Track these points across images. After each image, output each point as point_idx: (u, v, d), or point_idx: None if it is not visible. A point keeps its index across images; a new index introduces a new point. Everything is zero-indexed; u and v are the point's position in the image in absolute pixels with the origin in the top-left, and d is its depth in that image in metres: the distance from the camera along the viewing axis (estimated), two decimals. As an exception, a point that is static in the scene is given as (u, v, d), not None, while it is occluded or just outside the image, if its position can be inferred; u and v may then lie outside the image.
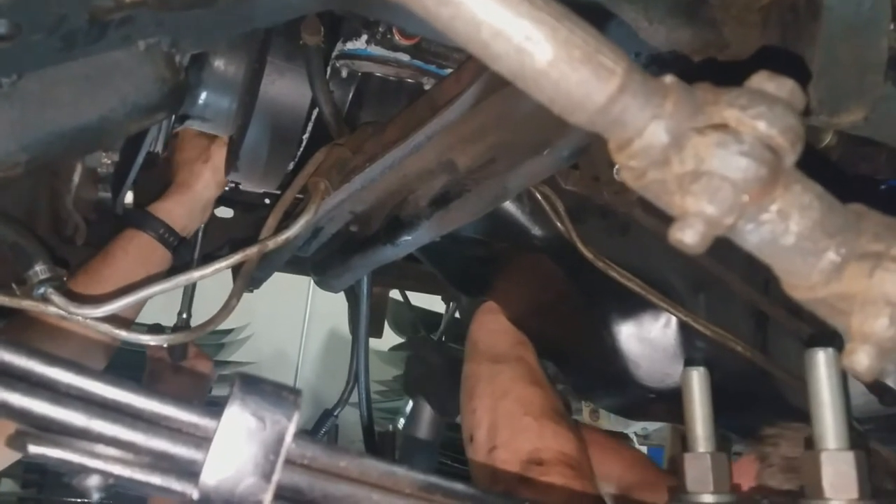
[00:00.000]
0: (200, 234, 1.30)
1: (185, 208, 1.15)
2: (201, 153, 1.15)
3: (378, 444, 1.48)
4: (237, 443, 0.41)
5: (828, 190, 0.40)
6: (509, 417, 0.94)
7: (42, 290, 0.71)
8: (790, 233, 0.38)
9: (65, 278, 0.74)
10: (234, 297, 0.82)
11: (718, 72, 0.75)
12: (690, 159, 0.35)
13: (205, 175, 1.16)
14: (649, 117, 0.37)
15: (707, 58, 0.72)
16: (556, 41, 0.35)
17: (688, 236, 0.35)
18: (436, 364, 1.33)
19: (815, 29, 0.69)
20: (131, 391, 0.42)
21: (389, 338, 3.58)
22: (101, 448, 0.41)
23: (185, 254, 1.25)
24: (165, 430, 0.42)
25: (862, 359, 0.38)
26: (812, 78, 0.67)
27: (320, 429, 1.50)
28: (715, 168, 0.34)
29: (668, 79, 0.37)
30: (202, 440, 0.42)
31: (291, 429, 0.42)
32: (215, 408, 0.42)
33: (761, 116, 0.34)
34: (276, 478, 0.42)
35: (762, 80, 0.36)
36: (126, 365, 1.14)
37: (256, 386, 0.42)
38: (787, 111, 0.35)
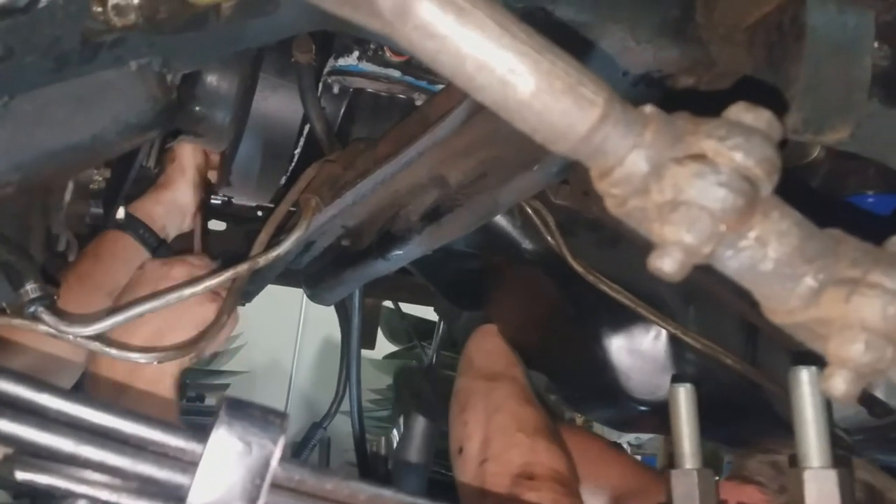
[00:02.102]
0: (199, 246, 1.31)
1: (162, 207, 1.16)
2: (171, 154, 1.17)
3: (371, 466, 1.48)
4: (223, 467, 0.42)
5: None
6: (502, 432, 0.94)
7: (32, 308, 0.71)
8: (769, 259, 0.39)
9: (56, 297, 0.74)
10: (226, 313, 0.83)
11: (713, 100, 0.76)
12: (669, 188, 0.36)
13: (175, 174, 1.17)
14: (630, 146, 0.37)
15: (698, 86, 0.73)
16: (539, 73, 0.36)
17: (666, 264, 0.36)
18: (426, 389, 1.32)
19: (800, 48, 0.70)
20: (119, 416, 0.42)
21: (384, 346, 3.59)
22: (88, 473, 0.41)
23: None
24: (152, 454, 0.42)
25: (839, 383, 0.39)
26: (795, 100, 0.68)
27: (309, 441, 1.50)
28: (693, 198, 0.35)
29: (649, 108, 0.38)
30: (188, 464, 0.42)
31: (277, 452, 0.42)
32: (202, 431, 0.43)
33: (738, 147, 0.35)
34: (262, 502, 0.42)
35: (740, 112, 0.36)
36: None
37: (243, 410, 0.43)
38: (763, 142, 0.36)
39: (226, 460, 0.42)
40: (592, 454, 1.17)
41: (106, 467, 0.42)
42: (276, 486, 0.43)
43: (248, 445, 0.42)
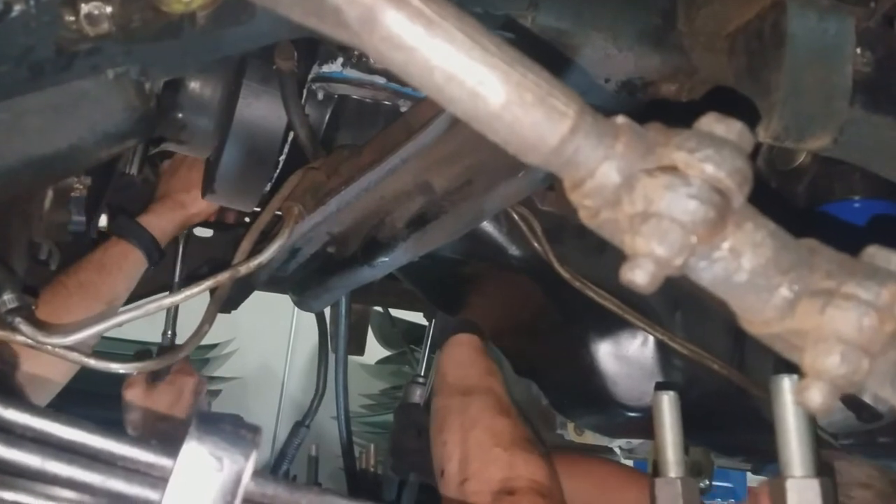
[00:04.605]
0: (180, 257, 1.30)
1: (174, 226, 1.18)
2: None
3: (361, 473, 1.48)
4: (194, 483, 0.41)
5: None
6: (479, 448, 0.93)
7: (10, 319, 0.70)
8: (743, 270, 0.38)
9: (34, 307, 0.73)
10: (207, 322, 0.82)
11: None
12: (640, 200, 0.36)
13: (201, 205, 1.19)
14: (601, 158, 0.37)
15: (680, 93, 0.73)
16: (509, 85, 0.36)
17: (638, 276, 0.36)
18: (425, 429, 1.28)
19: (780, 55, 0.70)
20: (87, 431, 0.41)
21: (377, 351, 3.58)
22: (56, 490, 0.40)
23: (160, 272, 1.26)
24: (122, 470, 0.41)
25: (815, 395, 0.38)
26: (776, 108, 0.68)
27: (293, 441, 1.50)
28: (663, 210, 0.35)
29: (620, 119, 0.38)
30: (159, 480, 0.41)
31: (249, 468, 0.42)
32: (172, 446, 0.42)
33: (709, 159, 0.35)
34: (234, 517, 0.41)
35: (711, 123, 0.36)
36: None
37: (214, 425, 0.42)
38: (734, 153, 0.35)
39: (197, 476, 0.41)
40: (611, 482, 1.16)
41: (74, 483, 0.41)
42: (248, 501, 0.43)
43: (219, 461, 0.42)
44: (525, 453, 0.91)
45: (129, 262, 1.11)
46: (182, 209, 1.18)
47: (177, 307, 1.34)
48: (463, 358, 1.12)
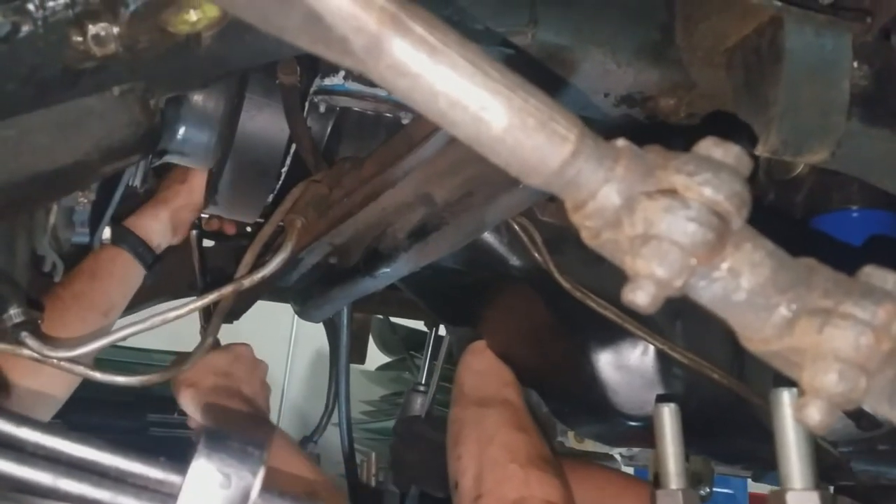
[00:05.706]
0: (198, 263, 1.30)
1: (160, 224, 1.17)
2: (182, 174, 1.18)
3: (362, 479, 1.48)
4: (202, 500, 0.42)
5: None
6: (494, 464, 0.93)
7: (17, 333, 0.71)
8: (742, 289, 0.39)
9: (39, 321, 0.74)
10: (211, 334, 0.83)
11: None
12: (640, 222, 0.37)
13: (182, 194, 1.18)
14: (602, 180, 0.38)
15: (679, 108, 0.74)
16: (511, 110, 0.37)
17: (639, 297, 0.37)
18: (427, 441, 1.28)
19: (778, 71, 0.71)
20: (98, 449, 0.42)
21: (378, 357, 3.58)
22: (66, 507, 0.41)
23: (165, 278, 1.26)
24: (132, 487, 0.42)
25: (813, 413, 0.39)
26: (774, 122, 0.68)
27: None
28: (663, 232, 0.36)
29: (620, 142, 0.39)
30: (168, 497, 0.42)
31: (257, 485, 0.42)
32: (181, 463, 0.43)
33: (707, 183, 0.36)
34: (242, 534, 0.42)
35: (709, 146, 0.37)
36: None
37: (222, 442, 0.43)
38: (732, 177, 0.36)
39: (205, 493, 0.42)
40: (609, 489, 1.16)
41: (85, 501, 0.42)
42: (255, 517, 0.43)
43: (227, 478, 0.42)
44: (540, 472, 0.91)
45: (118, 267, 1.11)
46: (163, 203, 1.18)
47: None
48: (481, 366, 1.12)
